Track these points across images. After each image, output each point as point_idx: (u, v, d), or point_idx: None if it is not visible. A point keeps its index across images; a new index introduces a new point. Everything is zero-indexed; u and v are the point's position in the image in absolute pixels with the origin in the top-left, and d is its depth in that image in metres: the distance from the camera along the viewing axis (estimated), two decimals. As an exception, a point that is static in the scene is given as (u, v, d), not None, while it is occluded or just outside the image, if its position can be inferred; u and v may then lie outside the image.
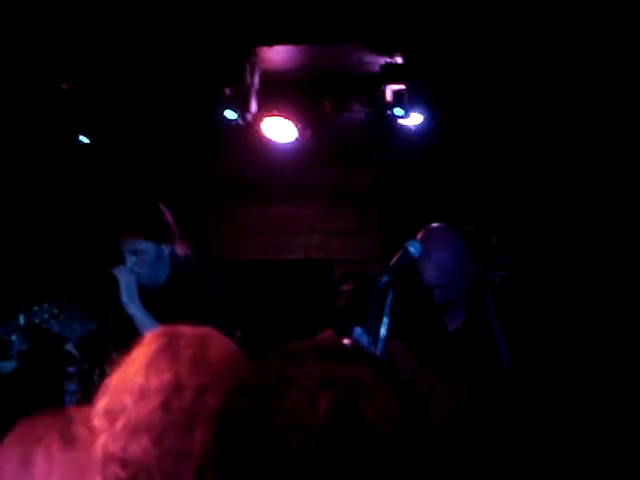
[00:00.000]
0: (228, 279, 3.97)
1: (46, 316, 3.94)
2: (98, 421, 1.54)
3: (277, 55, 5.47)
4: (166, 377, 1.52)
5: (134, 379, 1.54)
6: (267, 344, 1.10)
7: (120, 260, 3.66)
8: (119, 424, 1.51)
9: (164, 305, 3.67)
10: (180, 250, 3.81)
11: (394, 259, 3.38)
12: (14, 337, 4.27)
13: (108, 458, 1.50)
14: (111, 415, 1.53)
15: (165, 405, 1.50)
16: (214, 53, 5.26)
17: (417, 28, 4.83)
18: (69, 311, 4.01)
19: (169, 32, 4.91)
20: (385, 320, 3.27)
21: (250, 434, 1.00)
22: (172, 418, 1.49)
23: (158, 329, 1.65)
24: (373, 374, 1.04)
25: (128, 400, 1.52)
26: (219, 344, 1.61)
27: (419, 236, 3.57)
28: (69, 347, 3.69)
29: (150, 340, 1.61)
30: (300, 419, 0.99)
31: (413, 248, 3.38)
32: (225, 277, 3.93)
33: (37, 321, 3.97)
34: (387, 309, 3.27)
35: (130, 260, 3.65)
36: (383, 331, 3.26)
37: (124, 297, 3.52)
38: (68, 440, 1.67)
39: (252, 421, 1.00)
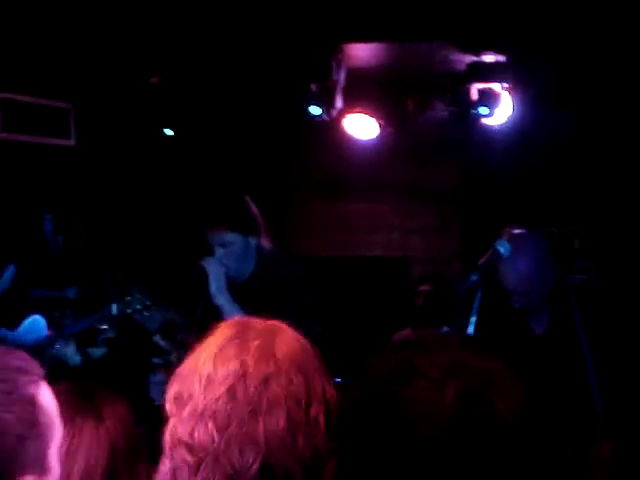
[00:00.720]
0: (307, 275, 3.99)
1: (138, 307, 4.02)
2: (169, 407, 1.58)
3: (363, 52, 5.47)
4: (232, 366, 1.55)
5: (202, 367, 1.58)
6: (344, 340, 1.11)
7: (209, 252, 3.71)
8: (187, 410, 1.55)
9: (250, 297, 3.70)
10: (266, 243, 3.85)
11: (483, 258, 3.36)
12: (105, 326, 4.37)
13: (176, 443, 1.55)
14: (180, 401, 1.57)
15: (230, 392, 1.53)
16: (301, 49, 5.28)
17: (507, 25, 4.77)
18: (157, 302, 4.09)
19: (257, 28, 4.95)
20: (473, 319, 3.25)
21: (378, 421, 1.02)
22: (236, 406, 1.51)
23: (230, 320, 1.68)
24: (500, 365, 1.06)
25: (196, 387, 1.56)
26: (287, 338, 1.63)
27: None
28: (157, 338, 3.75)
29: (221, 330, 1.64)
30: (428, 407, 1.00)
31: (503, 248, 3.36)
32: (303, 272, 3.95)
33: (129, 311, 4.05)
34: (475, 308, 3.25)
35: (218, 252, 3.69)
36: (471, 330, 3.24)
37: (213, 288, 3.57)
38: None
39: (380, 408, 1.02)
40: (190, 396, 1.56)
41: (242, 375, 1.54)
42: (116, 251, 5.31)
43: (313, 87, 5.63)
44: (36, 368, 1.41)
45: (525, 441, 1.02)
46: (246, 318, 1.72)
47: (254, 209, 3.83)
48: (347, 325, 6.37)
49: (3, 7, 4.45)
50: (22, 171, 5.64)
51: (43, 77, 5.58)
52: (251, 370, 1.54)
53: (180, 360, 3.38)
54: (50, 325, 4.63)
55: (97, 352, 4.51)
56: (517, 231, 3.61)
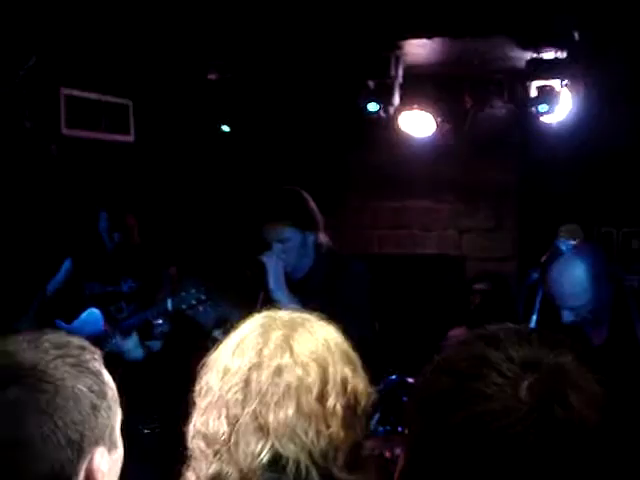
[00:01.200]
0: (363, 272, 3.97)
1: (193, 302, 4.04)
2: (194, 400, 1.61)
3: (421, 49, 5.45)
4: (248, 356, 1.57)
5: (222, 358, 1.60)
6: (401, 338, 1.10)
7: (267, 248, 3.72)
8: (205, 401, 1.58)
9: (309, 293, 3.70)
10: (324, 239, 3.84)
11: (545, 256, 3.33)
12: (160, 321, 4.40)
13: (194, 434, 1.58)
14: (200, 394, 1.60)
15: (244, 382, 1.54)
16: (360, 46, 5.28)
17: (567, 21, 4.72)
18: (212, 297, 4.11)
19: (316, 25, 4.95)
20: (534, 318, 3.22)
21: (451, 415, 1.00)
22: (248, 395, 1.53)
23: (259, 313, 1.69)
24: (577, 361, 1.03)
25: (214, 378, 1.58)
26: (311, 330, 1.63)
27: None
28: (217, 334, 3.77)
29: (247, 322, 1.66)
30: (501, 404, 0.98)
31: (565, 246, 3.32)
32: (360, 270, 3.94)
33: (184, 307, 4.08)
34: (537, 306, 3.22)
35: (276, 248, 3.70)
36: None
37: (271, 284, 3.57)
38: None
39: (453, 403, 1.00)
40: (209, 388, 1.58)
41: (257, 365, 1.55)
42: (172, 246, 5.35)
43: (371, 84, 5.62)
44: (97, 350, 1.44)
45: (605, 443, 0.99)
46: (274, 311, 1.72)
47: (312, 205, 3.82)
48: (403, 323, 6.35)
49: (64, 5, 4.52)
50: (82, 166, 5.72)
51: (103, 73, 5.65)
52: (266, 361, 1.55)
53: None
54: (106, 319, 4.69)
55: (155, 345, 4.55)
56: (570, 242, 3.46)
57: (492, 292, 6.28)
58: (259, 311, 3.43)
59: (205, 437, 1.55)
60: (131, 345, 4.37)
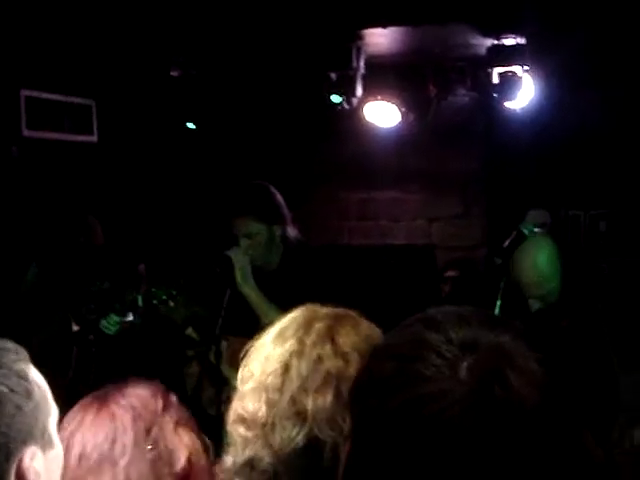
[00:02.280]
0: (331, 264, 3.99)
1: (164, 297, 4.03)
2: (237, 387, 1.64)
3: (382, 38, 5.45)
4: (290, 344, 1.59)
5: (264, 346, 1.63)
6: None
7: (234, 242, 3.72)
8: (246, 387, 1.61)
9: (277, 287, 3.70)
10: (292, 233, 3.85)
11: (507, 241, 3.35)
12: (131, 317, 4.39)
13: (234, 418, 1.60)
14: (242, 380, 1.63)
15: (284, 368, 1.56)
16: (320, 37, 5.27)
17: (527, 7, 4.74)
18: (182, 293, 4.10)
19: (275, 18, 4.94)
20: (498, 303, 3.24)
21: (389, 399, 0.99)
22: (288, 381, 1.55)
23: (302, 306, 1.70)
24: (517, 340, 1.01)
25: (255, 366, 1.61)
26: (352, 323, 1.65)
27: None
28: (190, 331, 3.77)
29: (290, 314, 1.68)
30: (440, 385, 0.97)
31: (527, 230, 3.35)
32: (328, 262, 3.95)
33: (155, 302, 4.07)
34: (500, 291, 3.24)
35: (244, 242, 3.70)
36: (496, 313, 3.23)
37: (239, 278, 3.58)
38: None
39: (392, 386, 0.99)
40: (251, 374, 1.61)
41: (298, 353, 1.57)
42: (140, 244, 5.33)
43: (333, 75, 5.61)
44: (23, 351, 1.43)
45: (544, 423, 0.97)
46: (317, 305, 1.73)
47: (279, 199, 3.83)
48: (374, 314, 6.35)
49: (23, 5, 4.48)
50: (45, 168, 5.67)
51: (65, 74, 5.61)
52: (307, 349, 1.57)
53: (209, 350, 3.39)
54: (76, 321, 4.66)
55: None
56: (523, 229, 3.52)
57: (462, 279, 6.31)
58: (228, 306, 3.45)
59: (244, 421, 1.57)
60: (112, 322, 4.37)
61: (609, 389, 3.27)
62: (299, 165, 6.97)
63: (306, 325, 1.62)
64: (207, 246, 4.17)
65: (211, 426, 1.92)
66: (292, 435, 1.51)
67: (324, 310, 1.68)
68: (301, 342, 1.59)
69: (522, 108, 5.74)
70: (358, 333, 1.62)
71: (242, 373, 1.63)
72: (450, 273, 6.44)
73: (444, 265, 6.65)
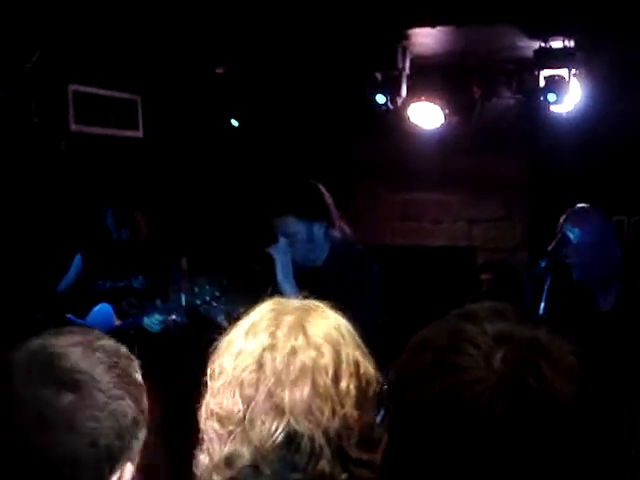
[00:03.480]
0: (373, 264, 3.96)
1: (207, 298, 4.05)
2: (207, 383, 1.63)
3: (428, 39, 5.43)
4: (262, 338, 1.59)
5: (235, 341, 1.63)
6: (410, 329, 1.11)
7: (276, 239, 3.71)
8: (219, 383, 1.60)
9: (320, 285, 3.69)
10: (337, 231, 3.81)
11: (552, 244, 3.33)
12: (174, 316, 4.42)
13: (208, 415, 1.60)
14: (213, 376, 1.62)
15: (258, 363, 1.56)
16: (366, 37, 5.27)
17: (575, 10, 4.69)
18: (224, 292, 4.11)
19: (322, 17, 4.95)
20: (542, 305, 3.22)
21: (426, 389, 1.01)
22: (263, 375, 1.55)
23: (270, 300, 1.71)
24: (553, 335, 1.03)
25: (227, 360, 1.61)
26: (322, 315, 1.66)
27: (563, 217, 3.52)
28: (220, 319, 3.77)
29: (258, 308, 1.68)
30: (475, 374, 0.98)
31: (572, 234, 3.33)
32: (370, 261, 3.93)
33: (198, 302, 4.09)
34: (545, 295, 3.22)
35: (283, 240, 3.69)
36: (539, 317, 3.20)
37: (279, 276, 3.57)
38: None
39: (429, 377, 1.02)
40: (223, 369, 1.61)
41: (271, 347, 1.58)
42: (182, 240, 5.36)
43: (378, 75, 5.60)
44: (134, 358, 1.44)
45: (578, 418, 0.98)
46: (284, 298, 1.75)
47: (322, 196, 3.79)
48: (413, 315, 6.33)
49: (72, 1, 4.53)
50: (91, 163, 5.73)
51: (111, 69, 5.66)
52: (280, 343, 1.58)
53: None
54: (118, 314, 4.71)
55: (172, 333, 4.59)
56: (580, 205, 3.58)
57: (498, 280, 6.27)
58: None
59: (219, 418, 1.57)
60: (155, 322, 4.41)
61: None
62: (342, 164, 6.98)
63: (277, 318, 1.62)
64: (249, 243, 4.18)
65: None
66: (272, 430, 1.52)
67: (292, 303, 1.69)
68: (273, 335, 1.59)
69: (568, 112, 5.69)
70: (327, 324, 1.63)
71: (212, 368, 1.63)
72: (485, 275, 6.40)
73: (479, 267, 6.62)
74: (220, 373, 1.61)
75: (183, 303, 4.27)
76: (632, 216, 6.46)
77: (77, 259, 4.98)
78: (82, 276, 4.95)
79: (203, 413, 1.61)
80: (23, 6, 4.44)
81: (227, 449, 1.55)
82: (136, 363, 1.41)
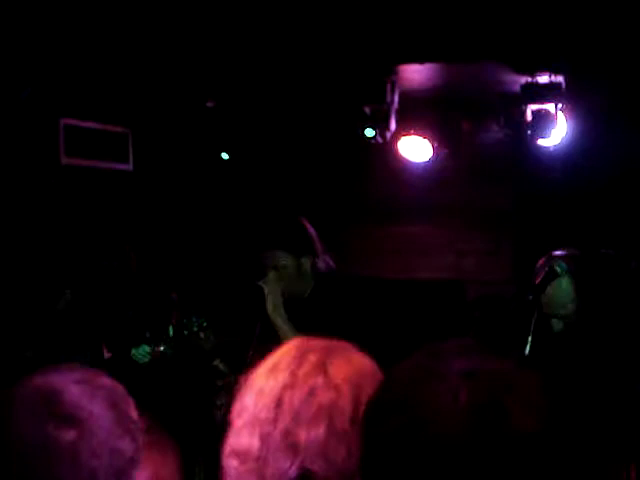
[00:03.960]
0: (361, 296, 3.99)
1: (195, 329, 4.06)
2: (231, 421, 1.63)
3: (417, 74, 5.49)
4: (282, 377, 1.58)
5: (257, 380, 1.61)
6: (396, 361, 1.13)
7: (265, 273, 3.73)
8: (239, 421, 1.59)
9: (306, 317, 3.71)
10: (322, 264, 3.85)
11: (539, 278, 3.35)
12: (162, 347, 4.42)
13: (228, 453, 1.59)
14: (235, 414, 1.61)
15: (277, 401, 1.55)
16: (355, 72, 5.32)
17: (561, 46, 4.76)
18: (212, 324, 4.13)
19: (311, 52, 5.00)
20: (529, 339, 3.22)
21: (392, 421, 1.03)
22: (281, 414, 1.54)
23: (295, 338, 1.71)
24: (519, 369, 1.06)
25: (249, 399, 1.59)
26: (346, 355, 1.64)
27: (540, 263, 3.51)
28: (217, 362, 3.79)
29: (283, 347, 1.67)
30: (439, 409, 1.01)
31: (559, 268, 3.34)
32: (358, 294, 3.96)
33: (186, 333, 4.09)
34: (531, 328, 3.23)
35: (272, 274, 3.71)
36: (527, 350, 3.21)
37: (270, 308, 3.58)
38: None
39: (395, 410, 1.04)
40: (244, 407, 1.60)
41: (290, 385, 1.57)
42: (172, 273, 5.37)
43: (367, 109, 5.65)
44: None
45: (541, 453, 1.00)
46: (310, 337, 1.72)
47: (309, 230, 3.84)
48: (403, 348, 6.33)
49: (63, 35, 4.56)
50: (81, 195, 5.74)
51: (102, 103, 5.69)
52: (300, 382, 1.57)
53: (238, 381, 3.40)
54: (108, 347, 4.70)
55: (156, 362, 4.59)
56: (558, 253, 3.56)
57: (487, 318, 6.28)
58: (260, 336, 3.46)
59: (238, 455, 1.57)
60: (143, 353, 4.41)
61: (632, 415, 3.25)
62: (332, 197, 7.00)
63: (299, 357, 1.61)
64: (238, 276, 4.20)
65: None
66: (285, 467, 1.50)
67: (317, 341, 1.67)
68: (294, 375, 1.57)
69: (555, 146, 5.75)
70: (350, 364, 1.61)
71: (235, 407, 1.62)
72: (478, 312, 6.41)
73: (471, 303, 6.63)
74: (241, 411, 1.60)
75: (171, 334, 4.28)
76: (619, 250, 6.48)
77: (65, 295, 4.97)
78: (70, 311, 4.94)
79: (225, 451, 1.61)
80: (15, 41, 4.48)
81: None
82: (132, 402, 1.43)
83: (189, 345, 4.24)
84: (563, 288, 3.41)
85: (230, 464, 1.58)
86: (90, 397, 1.34)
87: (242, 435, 1.57)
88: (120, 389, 1.41)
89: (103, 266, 4.83)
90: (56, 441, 1.28)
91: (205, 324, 4.08)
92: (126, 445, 1.35)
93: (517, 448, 0.99)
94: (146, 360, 4.46)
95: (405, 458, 1.01)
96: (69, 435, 1.29)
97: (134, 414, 1.41)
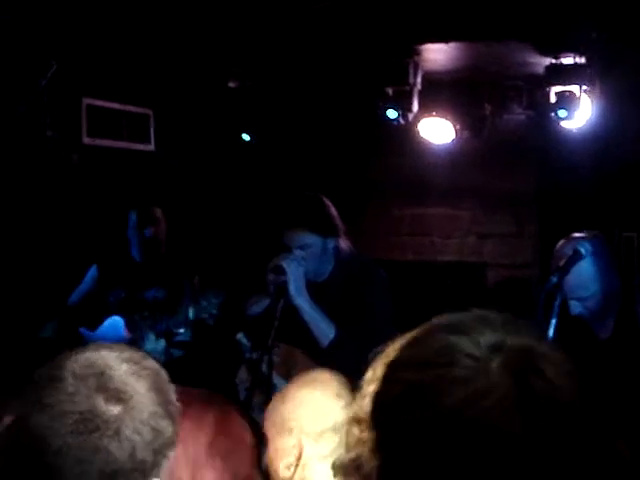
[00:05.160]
0: (381, 278, 3.97)
1: (214, 311, 4.06)
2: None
3: (439, 55, 5.46)
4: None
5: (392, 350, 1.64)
6: None
7: (288, 252, 3.72)
8: (369, 389, 1.62)
9: (329, 298, 3.71)
10: (344, 245, 3.84)
11: (563, 260, 3.32)
12: (182, 329, 4.42)
13: (351, 419, 1.59)
14: (367, 382, 1.62)
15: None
16: (378, 53, 5.29)
17: (586, 27, 4.71)
18: (233, 305, 4.12)
19: (335, 33, 4.98)
20: (553, 322, 3.20)
21: (431, 408, 0.97)
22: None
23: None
24: (544, 343, 1.01)
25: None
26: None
27: (561, 242, 3.49)
28: (240, 336, 3.77)
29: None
30: (476, 386, 0.95)
31: (584, 249, 3.32)
32: (378, 276, 3.94)
33: (205, 316, 4.10)
34: (556, 310, 3.21)
35: (297, 253, 3.70)
36: (551, 333, 3.19)
37: (292, 289, 3.56)
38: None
39: (428, 395, 0.97)
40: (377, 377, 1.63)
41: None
42: (195, 254, 5.38)
43: (389, 90, 5.63)
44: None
45: (584, 416, 0.97)
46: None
47: (333, 211, 3.82)
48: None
49: (86, 16, 4.56)
50: (103, 175, 5.76)
51: (124, 83, 5.70)
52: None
53: (261, 359, 3.39)
54: (129, 326, 4.72)
55: (176, 353, 4.58)
56: (579, 235, 3.54)
57: (512, 300, 6.27)
58: (281, 316, 3.45)
59: (359, 422, 1.61)
60: (159, 349, 4.40)
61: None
62: (353, 178, 6.99)
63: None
64: (260, 256, 4.19)
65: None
66: None
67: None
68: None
69: (578, 128, 5.70)
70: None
71: (368, 375, 1.62)
72: (497, 293, 6.41)
73: (494, 285, 6.61)
74: (373, 380, 1.64)
75: (191, 316, 4.28)
76: (641, 231, 6.45)
77: (92, 270, 5.01)
78: (96, 287, 4.98)
79: (348, 416, 1.61)
80: (38, 22, 4.48)
81: (356, 452, 1.56)
82: (172, 387, 1.47)
83: (207, 326, 4.24)
84: (584, 269, 3.40)
85: (351, 430, 1.57)
86: (137, 377, 1.40)
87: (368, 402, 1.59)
88: (163, 374, 1.47)
89: (134, 237, 4.84)
90: (104, 414, 1.34)
91: (222, 305, 4.10)
92: (166, 426, 1.40)
93: (562, 412, 0.95)
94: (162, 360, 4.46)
95: (453, 445, 0.94)
96: (116, 409, 1.35)
97: (174, 399, 1.46)
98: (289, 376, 3.66)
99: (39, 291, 5.11)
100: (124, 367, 1.40)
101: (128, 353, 1.44)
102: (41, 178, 5.34)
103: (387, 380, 1.05)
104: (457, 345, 1.00)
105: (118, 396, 1.36)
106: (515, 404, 0.94)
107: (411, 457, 0.98)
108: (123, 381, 1.38)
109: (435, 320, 1.07)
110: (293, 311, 3.55)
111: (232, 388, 3.68)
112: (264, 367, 3.39)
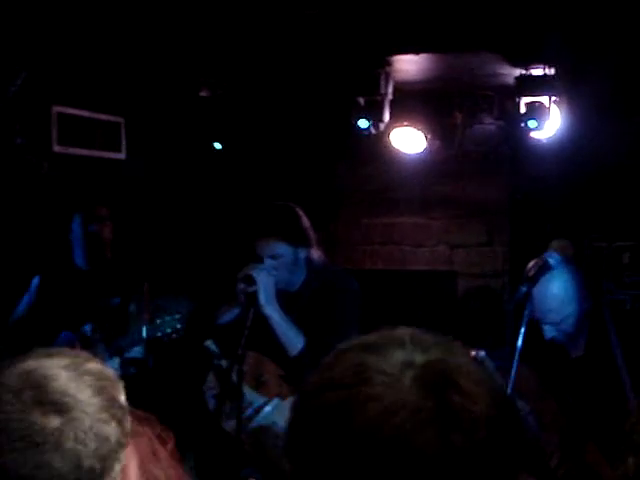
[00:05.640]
0: (352, 287, 3.97)
1: (168, 330, 4.02)
2: None
3: (410, 65, 5.49)
4: None
5: None
6: None
7: (259, 263, 3.71)
8: None
9: (300, 308, 3.71)
10: (316, 255, 3.84)
11: (532, 270, 3.35)
12: (136, 349, 4.34)
13: None
14: None
15: None
16: (349, 63, 5.31)
17: (555, 38, 4.76)
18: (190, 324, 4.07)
19: (307, 43, 4.99)
20: (522, 331, 3.22)
21: (344, 427, 0.97)
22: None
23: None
24: (458, 356, 1.03)
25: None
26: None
27: (531, 263, 3.50)
28: (208, 343, 3.75)
29: None
30: (392, 400, 0.96)
31: (553, 260, 3.34)
32: (350, 285, 3.94)
33: (159, 335, 4.05)
34: (525, 320, 3.23)
35: (268, 263, 3.69)
36: (520, 342, 3.21)
37: (262, 298, 3.56)
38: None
39: (345, 414, 0.98)
40: None
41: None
42: (150, 262, 5.29)
43: (361, 100, 5.65)
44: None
45: (500, 429, 0.97)
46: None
47: (305, 221, 3.82)
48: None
49: (56, 24, 4.54)
50: (73, 183, 5.71)
51: (95, 91, 5.67)
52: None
53: (230, 367, 3.37)
54: (79, 340, 4.61)
55: (129, 370, 4.51)
56: (547, 259, 3.52)
57: (482, 309, 6.30)
58: (251, 325, 3.44)
59: None
60: (114, 367, 4.34)
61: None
62: (324, 188, 7.00)
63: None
64: (231, 266, 4.18)
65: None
66: None
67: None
68: None
69: (548, 138, 5.75)
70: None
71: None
72: (470, 303, 6.43)
73: (464, 295, 6.63)
74: None
75: (144, 336, 4.20)
76: (612, 242, 6.50)
77: (35, 281, 4.86)
78: (41, 299, 4.83)
79: None
80: (8, 29, 4.46)
81: None
82: (120, 385, 1.45)
83: (163, 344, 4.17)
84: (555, 294, 3.41)
85: None
86: (77, 383, 1.36)
87: None
88: (108, 373, 1.44)
89: (77, 241, 4.72)
90: (43, 428, 1.31)
91: (179, 326, 4.05)
92: (112, 430, 1.37)
93: (480, 428, 0.96)
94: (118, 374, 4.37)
95: (368, 461, 0.95)
96: (55, 422, 1.32)
97: (121, 398, 1.43)
98: (257, 384, 3.67)
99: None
100: (64, 375, 1.36)
101: (69, 359, 1.40)
102: (10, 186, 5.30)
103: (302, 407, 1.05)
104: (369, 363, 1.01)
105: (57, 408, 1.33)
106: (430, 418, 0.95)
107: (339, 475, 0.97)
108: (62, 391, 1.34)
109: (345, 343, 1.08)
110: (263, 320, 3.55)
111: (199, 395, 3.67)
112: (234, 376, 3.39)
